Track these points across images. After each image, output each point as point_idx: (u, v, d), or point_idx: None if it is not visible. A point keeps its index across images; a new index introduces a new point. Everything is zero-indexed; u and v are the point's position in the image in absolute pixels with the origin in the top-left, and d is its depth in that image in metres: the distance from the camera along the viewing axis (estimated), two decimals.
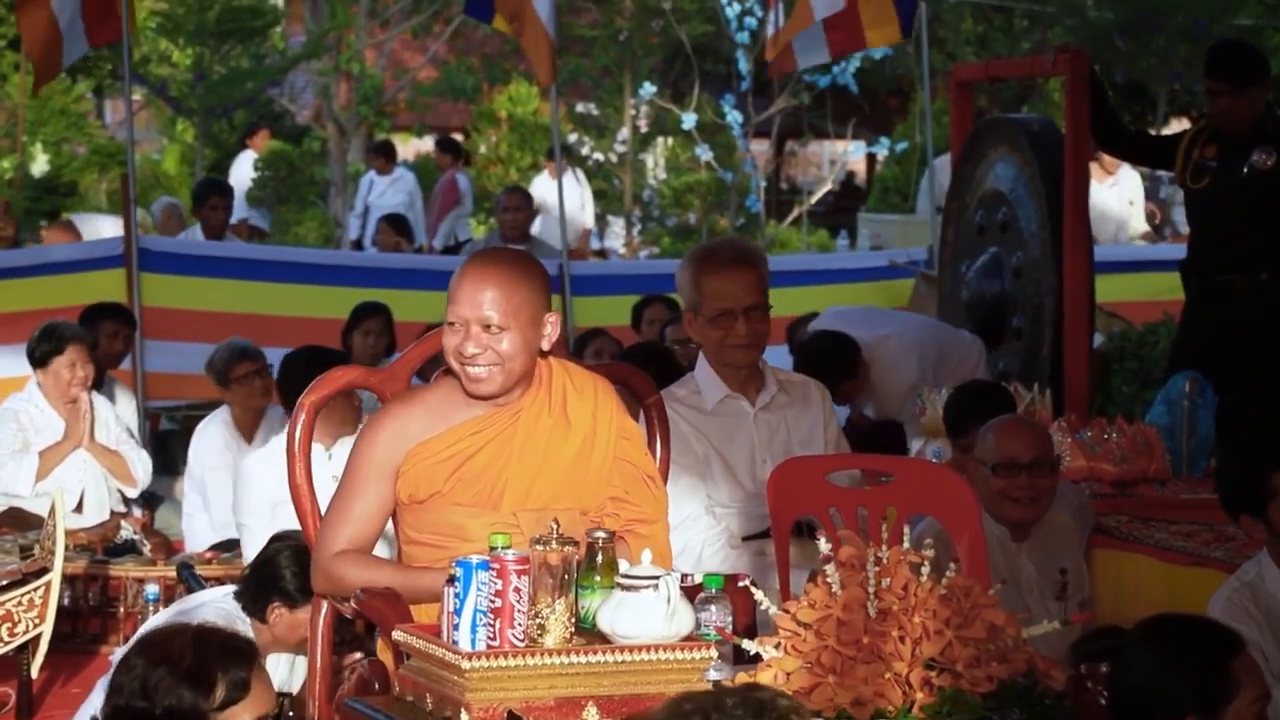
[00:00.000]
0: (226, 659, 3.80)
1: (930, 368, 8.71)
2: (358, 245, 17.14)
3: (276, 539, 6.17)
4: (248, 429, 8.59)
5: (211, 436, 8.53)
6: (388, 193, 17.43)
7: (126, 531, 8.21)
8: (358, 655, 5.63)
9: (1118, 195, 14.69)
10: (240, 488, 7.57)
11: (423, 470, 4.59)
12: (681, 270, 5.80)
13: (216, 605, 5.99)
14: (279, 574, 5.96)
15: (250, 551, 7.15)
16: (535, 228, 14.66)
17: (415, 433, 4.60)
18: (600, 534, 4.26)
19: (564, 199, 12.84)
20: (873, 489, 5.41)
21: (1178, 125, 18.20)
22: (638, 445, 4.73)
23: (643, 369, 5.22)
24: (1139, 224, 14.81)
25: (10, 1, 20.51)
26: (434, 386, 4.72)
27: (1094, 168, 13.00)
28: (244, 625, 5.91)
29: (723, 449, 5.75)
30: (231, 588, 6.12)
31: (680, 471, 5.53)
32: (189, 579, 7.20)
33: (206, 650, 3.80)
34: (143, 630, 5.80)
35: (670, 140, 22.37)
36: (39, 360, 8.49)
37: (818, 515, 5.25)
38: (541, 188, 16.86)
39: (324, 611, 4.80)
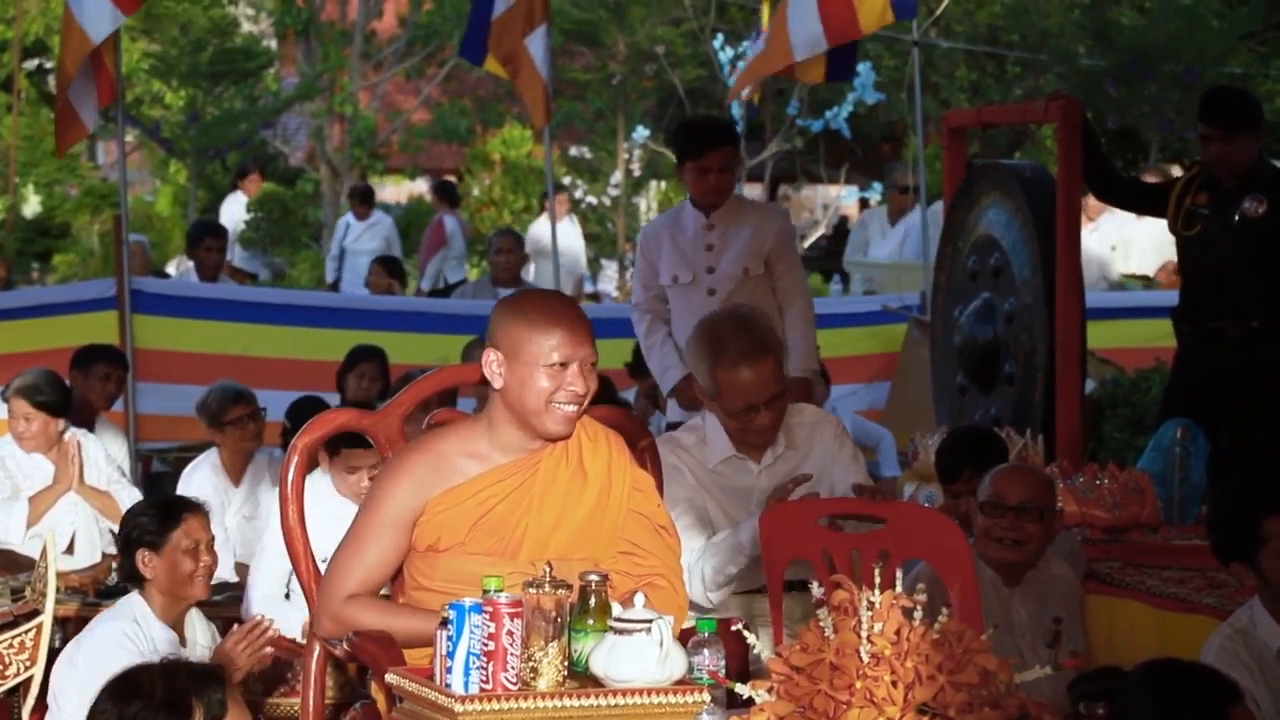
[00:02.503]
0: (198, 683, 3.80)
1: None
2: (334, 287, 17.14)
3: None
4: (235, 472, 8.58)
5: (200, 481, 8.50)
6: (364, 237, 17.43)
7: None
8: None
9: (1099, 240, 14.71)
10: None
11: (445, 520, 4.57)
12: (695, 357, 5.69)
13: (106, 615, 6.12)
14: (135, 525, 6.08)
15: (260, 574, 7.17)
16: (531, 272, 14.69)
17: (435, 482, 4.58)
18: (593, 577, 4.26)
19: (565, 244, 12.89)
20: (866, 533, 5.41)
21: (1169, 172, 18.23)
22: (650, 497, 4.74)
23: None
24: (1121, 267, 14.86)
25: (3, 43, 20.61)
26: (446, 434, 4.70)
27: None
28: (140, 609, 5.97)
29: (724, 504, 5.71)
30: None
31: (677, 516, 5.53)
32: None
33: (177, 678, 3.79)
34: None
35: (663, 183, 22.43)
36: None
37: (810, 558, 5.25)
38: (540, 230, 16.88)
39: (316, 653, 4.80)
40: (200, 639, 6.12)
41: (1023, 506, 5.84)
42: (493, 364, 4.59)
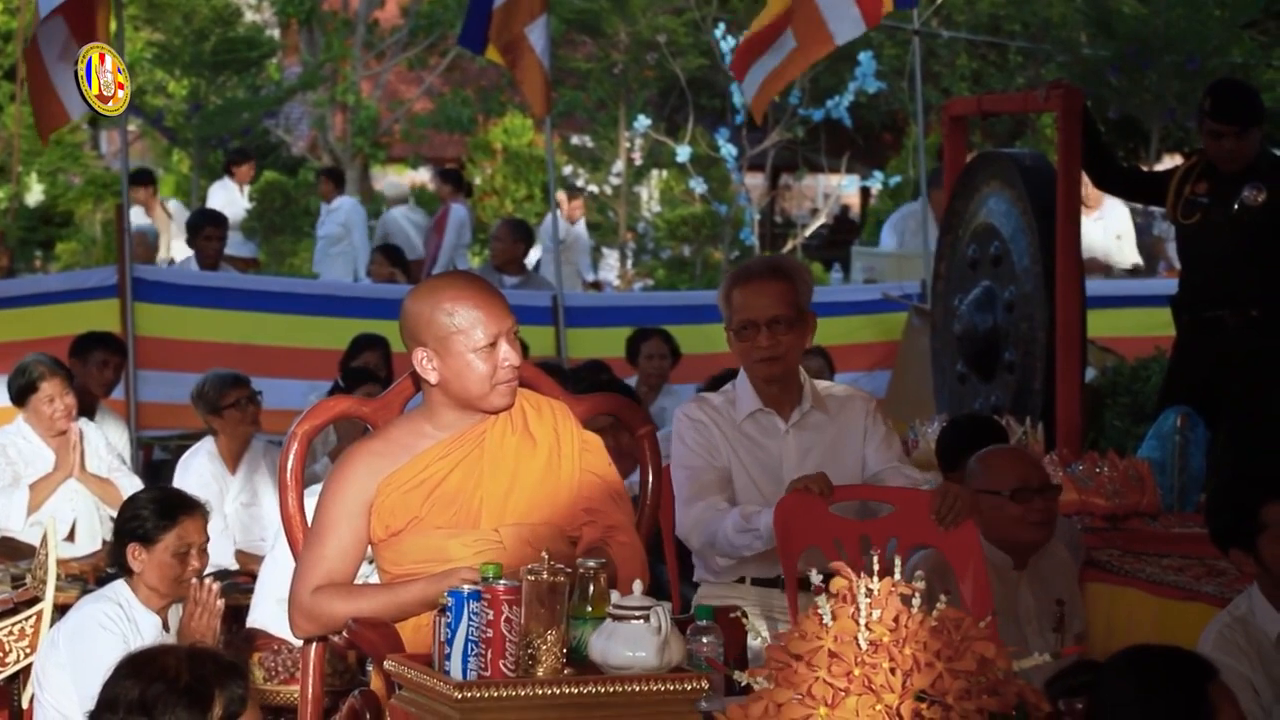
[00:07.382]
0: (223, 676, 3.80)
1: None
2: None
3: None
4: (232, 459, 8.59)
5: (197, 470, 8.51)
6: (326, 221, 17.39)
7: None
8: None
9: (1104, 230, 14.67)
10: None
11: (396, 499, 4.63)
12: (720, 288, 5.76)
13: (90, 597, 6.12)
14: (134, 515, 6.08)
15: (266, 587, 7.14)
16: (534, 262, 14.68)
17: (384, 466, 4.66)
18: (591, 564, 4.27)
19: (581, 245, 12.90)
20: (876, 520, 5.40)
21: (1170, 161, 18.23)
22: (601, 456, 4.80)
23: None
24: (1127, 257, 14.82)
25: (7, 33, 20.60)
26: (394, 424, 4.79)
27: None
28: (126, 595, 5.98)
29: (749, 464, 5.67)
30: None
31: (696, 465, 5.58)
32: None
33: (204, 668, 3.80)
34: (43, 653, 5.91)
35: (664, 173, 22.41)
36: (17, 398, 8.50)
37: (822, 546, 5.24)
38: (560, 229, 16.88)
39: (315, 645, 4.81)
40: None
41: (1046, 485, 5.86)
42: (424, 361, 4.66)
